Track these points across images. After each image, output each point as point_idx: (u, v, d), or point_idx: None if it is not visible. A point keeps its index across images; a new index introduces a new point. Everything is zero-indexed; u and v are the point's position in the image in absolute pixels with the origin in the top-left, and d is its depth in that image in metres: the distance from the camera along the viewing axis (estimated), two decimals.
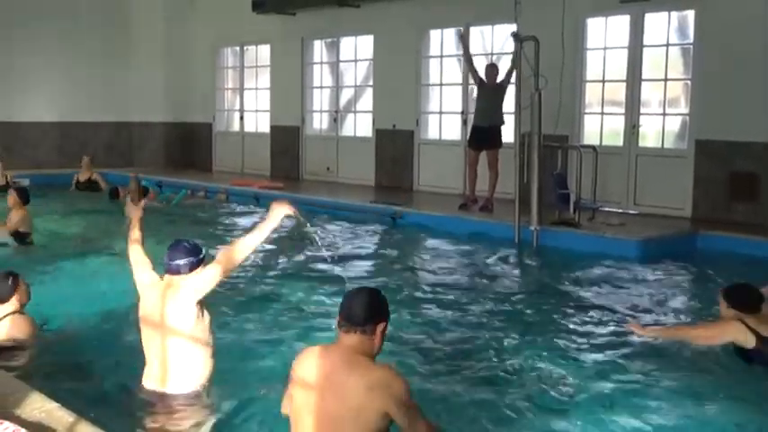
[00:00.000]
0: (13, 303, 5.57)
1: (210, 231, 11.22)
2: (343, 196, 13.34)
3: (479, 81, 11.53)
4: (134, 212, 5.22)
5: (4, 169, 14.65)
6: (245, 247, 4.58)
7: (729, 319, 5.41)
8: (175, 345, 4.55)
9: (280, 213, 4.53)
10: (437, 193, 13.61)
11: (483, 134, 11.46)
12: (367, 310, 3.52)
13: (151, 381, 4.66)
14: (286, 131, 16.74)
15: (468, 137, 12.15)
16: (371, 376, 3.43)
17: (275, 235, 4.91)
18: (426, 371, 5.42)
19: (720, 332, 5.47)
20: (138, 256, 4.95)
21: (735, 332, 5.35)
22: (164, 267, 4.62)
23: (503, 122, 11.44)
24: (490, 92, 11.44)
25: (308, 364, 3.61)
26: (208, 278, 4.52)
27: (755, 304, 5.43)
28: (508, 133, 12.62)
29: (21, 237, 9.39)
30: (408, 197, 13.21)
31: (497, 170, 11.45)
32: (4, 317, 5.52)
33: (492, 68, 11.67)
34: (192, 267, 4.54)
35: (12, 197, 9.56)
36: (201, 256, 4.61)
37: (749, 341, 5.27)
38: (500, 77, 11.39)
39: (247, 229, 4.92)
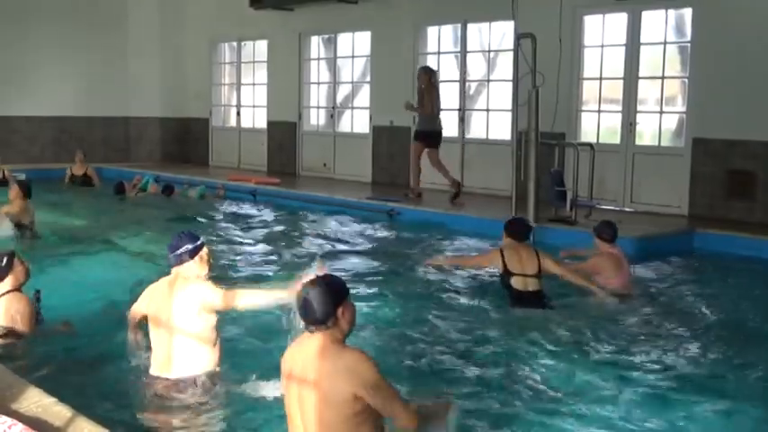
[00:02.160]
0: (9, 282, 5.58)
1: (208, 226, 11.21)
2: (339, 192, 13.34)
3: (436, 91, 12.48)
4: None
5: (2, 164, 14.62)
6: (250, 301, 4.88)
7: (496, 249, 6.99)
8: (179, 334, 4.70)
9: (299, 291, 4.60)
10: (434, 190, 13.60)
11: (435, 136, 12.44)
12: (322, 306, 3.55)
13: (156, 367, 4.82)
14: (283, 127, 16.73)
15: (417, 136, 12.74)
16: (338, 362, 3.50)
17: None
18: (419, 369, 5.42)
19: (488, 259, 7.14)
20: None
21: (492, 258, 6.99)
22: (168, 262, 4.84)
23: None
24: (436, 95, 12.46)
25: (288, 359, 3.70)
26: (213, 298, 4.72)
27: (522, 235, 7.03)
28: (505, 130, 12.67)
29: (22, 228, 9.41)
30: (405, 194, 13.19)
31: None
32: (2, 295, 5.54)
33: (434, 72, 12.72)
34: (193, 254, 4.75)
35: (14, 190, 9.62)
36: (200, 242, 4.81)
37: (500, 266, 6.87)
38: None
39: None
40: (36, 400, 3.71)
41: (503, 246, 7.03)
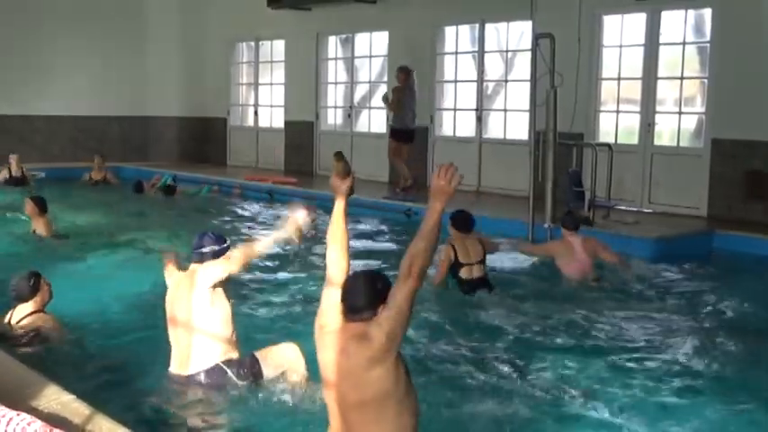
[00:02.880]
0: (35, 302, 5.59)
1: (226, 225, 11.25)
2: (356, 192, 13.28)
3: (410, 89, 13.05)
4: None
5: (21, 162, 14.72)
6: (255, 251, 4.95)
7: (447, 245, 7.45)
8: (192, 327, 4.73)
9: (292, 226, 4.89)
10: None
11: (408, 134, 13.15)
12: (366, 298, 3.52)
13: (174, 365, 4.85)
14: (300, 127, 16.75)
15: (393, 134, 13.40)
16: (360, 334, 3.45)
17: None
18: (437, 372, 5.41)
19: (446, 256, 7.45)
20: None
21: (449, 254, 7.43)
22: (192, 258, 4.88)
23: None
24: (410, 94, 13.04)
25: (321, 346, 3.66)
26: (219, 268, 4.75)
27: (467, 227, 7.53)
28: (523, 130, 12.64)
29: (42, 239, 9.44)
30: (423, 194, 13.18)
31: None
32: (26, 316, 5.54)
33: (410, 72, 13.15)
34: (216, 255, 4.79)
35: (29, 206, 9.45)
36: (225, 245, 4.86)
37: (452, 259, 7.40)
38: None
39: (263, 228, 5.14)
40: (55, 398, 3.73)
41: (450, 239, 7.52)
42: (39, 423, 3.15)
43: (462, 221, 7.54)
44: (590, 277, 7.92)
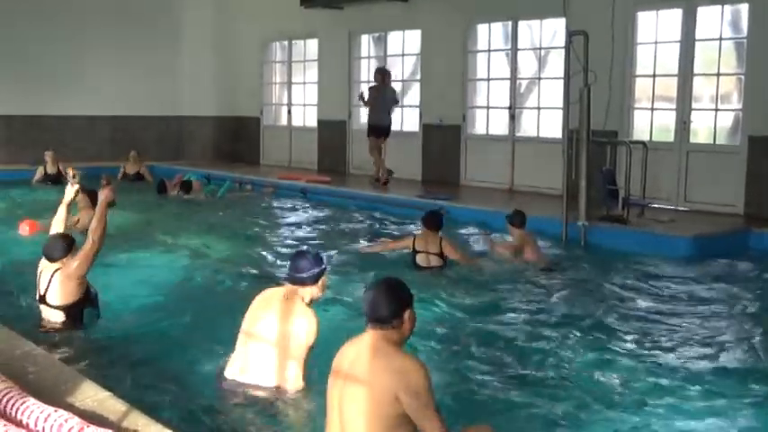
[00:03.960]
0: (63, 263, 5.73)
1: (257, 224, 11.30)
2: (389, 191, 13.34)
3: (379, 87, 13.93)
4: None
5: (57, 160, 14.89)
6: None
7: (411, 235, 8.62)
8: (277, 347, 4.64)
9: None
10: (484, 188, 13.56)
11: (381, 130, 13.96)
12: (389, 306, 3.54)
13: (234, 371, 4.75)
14: (333, 126, 16.78)
15: (369, 131, 14.20)
16: (393, 361, 3.47)
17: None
18: (466, 370, 5.39)
19: (404, 243, 8.53)
20: None
21: (407, 242, 8.43)
22: (288, 278, 4.77)
23: (390, 120, 14.19)
24: (385, 94, 13.92)
25: (340, 354, 3.69)
26: (306, 335, 4.59)
27: (434, 226, 8.28)
28: (556, 128, 12.57)
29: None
30: (455, 192, 13.17)
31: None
32: (55, 272, 5.70)
33: (386, 73, 14.17)
34: (317, 278, 4.71)
35: (83, 199, 9.56)
36: (324, 266, 4.77)
37: (410, 247, 8.28)
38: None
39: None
40: (91, 395, 3.77)
41: (416, 234, 8.55)
42: (75, 419, 3.19)
43: (430, 220, 8.40)
44: (546, 261, 8.74)
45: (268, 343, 4.65)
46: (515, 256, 8.63)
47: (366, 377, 3.48)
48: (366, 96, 14.00)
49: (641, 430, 4.48)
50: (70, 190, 6.09)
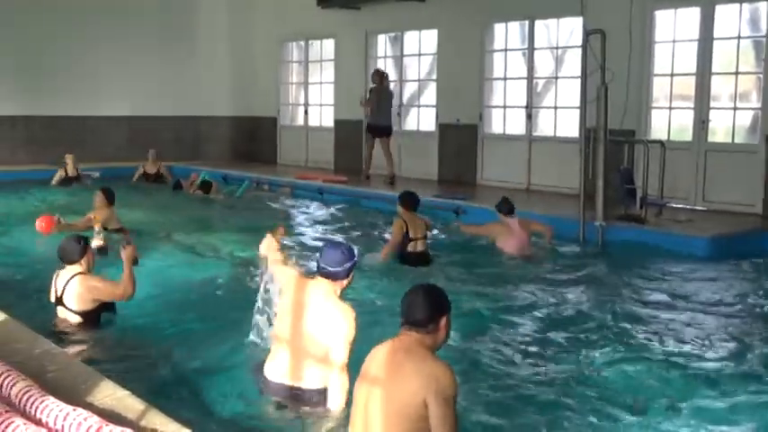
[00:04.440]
0: (81, 265, 5.81)
1: (275, 224, 11.32)
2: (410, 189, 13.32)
3: (376, 88, 14.34)
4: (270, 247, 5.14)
5: (76, 164, 14.99)
6: None
7: (399, 220, 8.45)
8: (318, 344, 4.49)
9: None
10: (501, 188, 13.53)
11: (380, 130, 14.35)
12: (427, 311, 3.56)
13: (276, 372, 4.62)
14: (349, 125, 16.79)
15: (366, 129, 14.78)
16: (425, 365, 3.47)
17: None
18: (484, 371, 5.39)
19: (399, 231, 8.40)
20: (275, 265, 5.00)
21: (402, 228, 8.38)
22: (319, 269, 4.53)
23: (390, 121, 14.57)
24: (384, 95, 14.32)
25: (371, 357, 3.69)
26: (345, 336, 4.39)
27: (414, 205, 8.53)
28: (573, 127, 12.53)
29: (108, 232, 9.62)
30: (472, 191, 13.15)
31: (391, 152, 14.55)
32: (73, 276, 5.75)
33: (383, 73, 14.54)
34: (348, 272, 4.53)
35: (99, 197, 9.69)
36: (356, 259, 4.58)
37: (404, 230, 8.36)
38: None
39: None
40: (110, 393, 3.80)
41: (401, 216, 8.50)
42: (94, 418, 3.22)
43: (410, 200, 8.57)
44: (526, 252, 8.89)
45: (307, 342, 4.50)
46: (499, 242, 8.92)
47: (396, 378, 3.48)
48: (366, 99, 14.44)
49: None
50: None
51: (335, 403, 4.40)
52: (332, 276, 4.49)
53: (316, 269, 4.59)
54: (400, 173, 15.58)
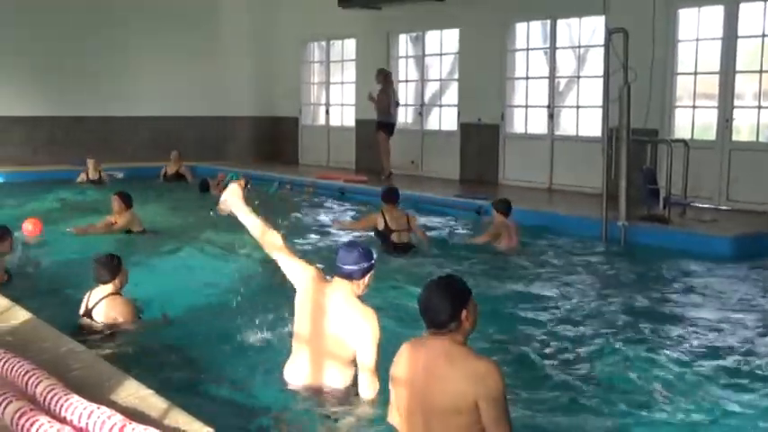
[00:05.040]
0: (113, 286, 5.82)
1: (299, 223, 11.36)
2: (427, 190, 13.33)
3: (384, 88, 14.93)
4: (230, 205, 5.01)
5: (98, 167, 15.10)
6: None
7: (378, 212, 9.19)
8: (338, 343, 4.51)
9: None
10: (523, 187, 13.49)
11: (393, 127, 15.08)
12: (447, 309, 3.46)
13: (297, 374, 4.63)
14: (371, 125, 16.76)
15: (380, 127, 15.11)
16: (471, 366, 3.40)
17: None
18: (507, 371, 5.37)
19: (373, 220, 9.30)
20: (287, 259, 4.79)
21: (377, 219, 9.15)
22: (336, 270, 4.54)
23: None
24: (393, 94, 15.04)
25: (405, 361, 3.61)
26: (371, 343, 4.41)
27: (394, 199, 9.21)
28: (596, 127, 12.47)
29: (132, 234, 9.69)
30: (493, 191, 13.12)
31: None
32: (103, 298, 5.76)
33: (390, 74, 15.25)
34: (365, 273, 4.52)
35: (116, 202, 9.71)
36: (373, 260, 4.58)
37: (380, 224, 9.07)
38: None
39: None
40: (133, 392, 3.82)
41: (381, 209, 9.23)
42: (118, 416, 3.23)
43: (391, 195, 9.28)
44: (518, 250, 9.27)
45: (329, 344, 4.50)
46: (493, 241, 9.30)
47: (446, 386, 3.41)
48: (375, 97, 14.97)
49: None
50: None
51: (366, 405, 4.39)
52: (348, 276, 4.49)
53: (334, 270, 4.59)
54: (421, 172, 15.61)
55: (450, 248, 9.49)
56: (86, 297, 5.89)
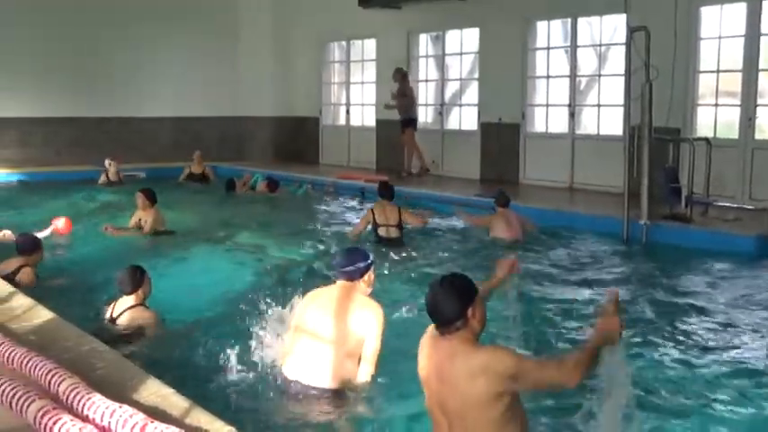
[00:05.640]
0: (137, 296, 5.83)
1: (321, 223, 11.38)
2: (447, 189, 13.31)
3: (403, 86, 15.27)
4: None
5: (119, 165, 15.19)
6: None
7: (369, 210, 9.70)
8: (334, 344, 4.64)
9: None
10: (544, 187, 13.45)
11: (415, 122, 15.42)
12: (450, 308, 3.45)
13: (295, 371, 4.75)
14: (391, 125, 16.77)
15: (408, 124, 15.36)
16: (473, 363, 3.39)
17: None
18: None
19: (366, 219, 9.59)
20: None
21: (368, 217, 9.52)
22: (335, 275, 4.82)
23: None
24: (406, 91, 15.23)
25: (423, 356, 3.63)
26: (374, 329, 4.63)
27: (387, 195, 9.61)
28: (617, 126, 12.40)
29: (158, 234, 9.74)
30: (514, 191, 13.07)
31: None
32: (127, 309, 5.78)
33: (406, 73, 15.49)
34: (363, 272, 4.76)
35: (140, 199, 9.81)
36: (370, 261, 4.81)
37: (371, 219, 9.49)
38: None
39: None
40: (155, 391, 3.84)
41: (375, 204, 9.72)
42: (140, 415, 3.26)
43: (384, 190, 9.68)
44: (520, 240, 9.50)
45: (331, 341, 4.62)
46: (482, 224, 9.89)
47: (458, 386, 3.42)
48: (391, 101, 15.26)
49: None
50: None
51: (362, 388, 4.61)
52: (347, 276, 4.73)
53: (336, 277, 4.84)
54: (442, 171, 15.58)
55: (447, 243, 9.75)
56: (111, 308, 5.91)
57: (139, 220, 9.81)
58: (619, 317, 3.63)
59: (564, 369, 3.41)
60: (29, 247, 7.25)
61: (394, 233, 9.43)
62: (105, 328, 5.79)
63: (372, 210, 9.59)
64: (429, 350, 3.61)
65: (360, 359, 4.66)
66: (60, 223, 9.63)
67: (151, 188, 10.12)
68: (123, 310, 5.80)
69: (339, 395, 4.64)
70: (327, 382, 4.64)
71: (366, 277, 4.76)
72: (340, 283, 4.78)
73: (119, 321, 5.80)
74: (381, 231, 9.44)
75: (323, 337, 4.66)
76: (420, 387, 3.69)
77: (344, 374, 4.66)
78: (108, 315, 5.89)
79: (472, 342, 3.50)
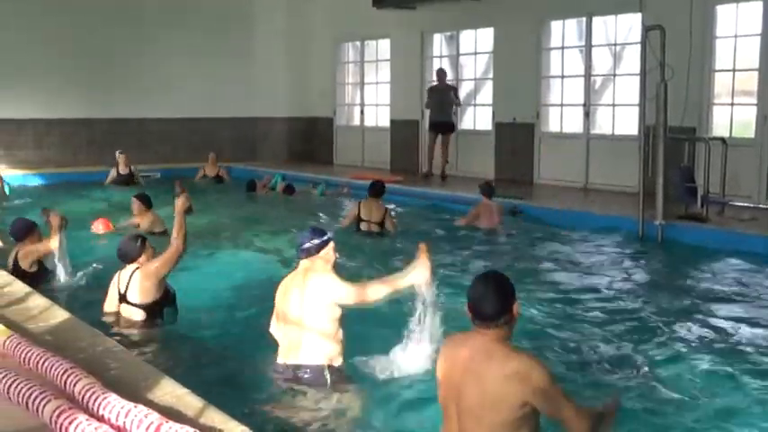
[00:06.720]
0: (140, 262, 5.92)
1: (332, 222, 11.38)
2: (461, 190, 13.28)
3: (429, 86, 15.33)
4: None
5: (128, 162, 15.22)
6: (378, 292, 4.88)
7: (356, 204, 10.25)
8: (303, 324, 4.79)
9: (420, 278, 4.87)
10: (558, 187, 13.41)
11: (439, 126, 14.90)
12: (496, 305, 3.45)
13: (282, 355, 4.93)
14: (405, 126, 16.80)
15: (428, 127, 15.43)
16: (509, 365, 3.36)
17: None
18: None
19: (353, 213, 10.14)
20: None
21: (354, 210, 10.14)
22: (297, 256, 4.96)
23: (450, 117, 14.97)
24: (439, 92, 14.89)
25: (449, 354, 3.61)
26: (339, 292, 4.79)
27: (377, 192, 10.07)
28: (632, 125, 12.35)
29: (155, 235, 9.75)
30: (528, 191, 13.05)
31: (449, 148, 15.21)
32: (134, 271, 5.87)
33: (442, 72, 15.06)
34: (319, 248, 4.87)
35: (135, 204, 9.84)
36: (326, 237, 4.93)
37: (356, 215, 9.99)
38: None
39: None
40: (169, 391, 3.85)
41: (361, 201, 10.18)
42: (155, 415, 3.26)
43: (374, 188, 10.07)
44: (498, 230, 10.26)
45: (301, 318, 4.79)
46: (474, 220, 10.43)
47: (486, 385, 3.39)
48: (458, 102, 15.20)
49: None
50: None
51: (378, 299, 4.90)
52: (305, 253, 4.87)
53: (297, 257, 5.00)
54: (456, 172, 15.55)
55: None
56: (116, 280, 5.97)
57: (138, 225, 9.81)
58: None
59: (581, 415, 3.42)
60: (21, 233, 7.26)
61: (375, 228, 9.89)
62: (117, 311, 5.88)
63: (360, 204, 10.11)
64: (454, 347, 3.60)
65: (338, 324, 4.81)
66: (99, 225, 9.89)
67: (146, 193, 10.15)
68: (131, 274, 5.86)
69: (319, 374, 4.75)
70: (317, 358, 4.78)
71: (323, 253, 4.87)
72: (301, 263, 4.92)
73: (129, 294, 5.86)
74: (363, 226, 9.91)
75: (295, 317, 4.81)
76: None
77: (330, 347, 4.79)
78: (116, 291, 5.95)
79: (509, 343, 3.50)
